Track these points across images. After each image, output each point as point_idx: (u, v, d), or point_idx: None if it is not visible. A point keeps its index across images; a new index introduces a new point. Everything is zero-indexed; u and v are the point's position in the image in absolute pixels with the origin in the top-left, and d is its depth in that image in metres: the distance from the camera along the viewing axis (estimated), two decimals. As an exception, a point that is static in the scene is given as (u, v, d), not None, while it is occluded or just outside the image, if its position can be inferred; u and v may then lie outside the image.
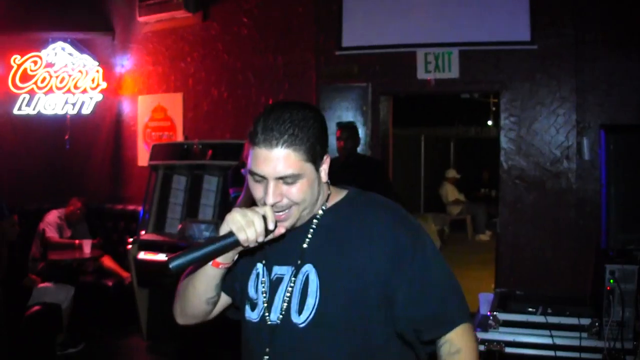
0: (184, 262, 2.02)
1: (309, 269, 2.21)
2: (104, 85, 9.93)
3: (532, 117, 7.45)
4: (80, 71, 9.79)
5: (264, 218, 2.07)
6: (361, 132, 7.80)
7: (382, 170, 7.22)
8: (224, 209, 7.62)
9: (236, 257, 2.22)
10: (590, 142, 7.17)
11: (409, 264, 2.15)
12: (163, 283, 7.66)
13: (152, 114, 9.76)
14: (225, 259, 2.19)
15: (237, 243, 2.07)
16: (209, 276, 2.26)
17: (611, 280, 5.03)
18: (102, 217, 9.59)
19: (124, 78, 10.11)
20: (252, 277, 2.35)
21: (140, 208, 8.70)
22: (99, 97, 9.92)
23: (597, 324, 5.03)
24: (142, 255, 7.90)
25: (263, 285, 2.30)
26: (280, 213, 2.14)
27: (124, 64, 10.08)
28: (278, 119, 2.08)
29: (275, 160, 2.07)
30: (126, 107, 10.13)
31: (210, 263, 2.20)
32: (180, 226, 8.01)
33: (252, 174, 2.14)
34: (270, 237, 2.13)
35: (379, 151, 8.24)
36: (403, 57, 7.87)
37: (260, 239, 2.08)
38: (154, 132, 9.76)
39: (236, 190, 6.77)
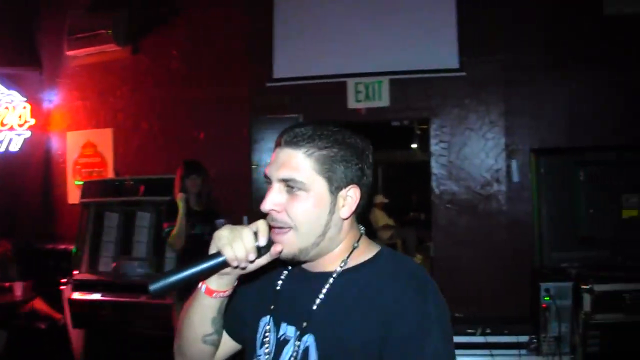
0: (165, 285, 1.88)
1: (310, 341, 1.97)
2: (32, 121, 9.71)
3: (462, 142, 7.58)
4: (7, 107, 9.58)
5: (255, 234, 1.91)
6: None
7: None
8: (158, 244, 7.62)
9: (234, 284, 2.05)
10: (519, 165, 7.29)
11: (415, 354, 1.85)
12: (99, 323, 7.73)
13: (81, 150, 9.59)
14: (219, 286, 2.02)
15: (224, 263, 1.89)
16: (204, 306, 2.07)
17: (546, 298, 5.28)
18: (32, 257, 9.28)
19: (52, 114, 9.96)
20: (260, 329, 2.13)
21: (71, 247, 8.56)
22: (27, 133, 9.69)
23: (535, 340, 5.30)
24: (76, 295, 7.82)
25: (267, 345, 2.08)
26: (278, 226, 1.95)
27: (52, 99, 9.93)
28: (306, 124, 1.99)
29: (282, 159, 1.95)
30: (55, 144, 9.95)
31: (203, 291, 2.04)
32: (114, 264, 8.00)
33: (265, 177, 2.01)
34: (265, 259, 1.95)
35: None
36: (334, 87, 7.93)
37: (252, 257, 1.89)
38: (84, 168, 9.58)
39: (169, 224, 6.71)
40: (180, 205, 6.60)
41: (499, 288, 7.17)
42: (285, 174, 1.91)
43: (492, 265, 7.34)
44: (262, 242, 1.89)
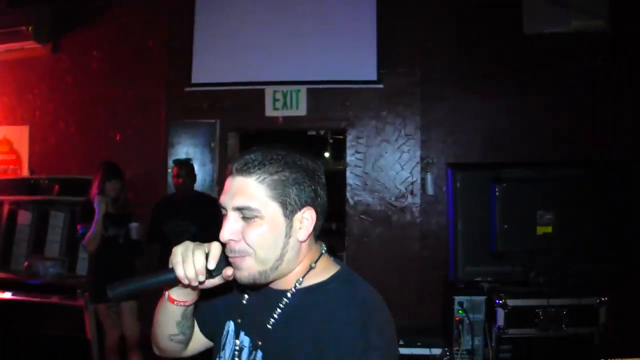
0: (122, 291, 1.91)
1: (259, 357, 1.95)
2: None
3: (378, 153, 7.35)
4: None
5: (207, 255, 1.87)
6: (209, 168, 7.68)
7: (213, 206, 6.85)
8: (71, 245, 7.38)
9: (196, 296, 2.06)
10: (433, 178, 7.15)
11: None
12: (10, 323, 7.40)
13: (-4, 146, 9.12)
14: (179, 296, 2.04)
15: (175, 279, 1.89)
16: (168, 311, 2.10)
17: (460, 311, 5.19)
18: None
19: None
20: (224, 332, 2.13)
21: None
22: None
23: (448, 353, 5.19)
24: None
25: (225, 350, 2.10)
26: (236, 255, 1.88)
27: (-31, 94, 9.39)
28: (256, 151, 1.91)
29: (235, 187, 1.87)
30: None
31: (166, 299, 2.06)
32: (26, 263, 7.67)
33: (219, 205, 1.92)
34: (217, 279, 1.93)
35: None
36: (252, 94, 7.62)
37: (201, 278, 1.87)
38: (-1, 165, 9.12)
39: (84, 226, 6.45)
40: (100, 208, 6.35)
41: (411, 300, 6.94)
42: (239, 202, 1.85)
43: (405, 277, 7.12)
44: (212, 265, 1.86)
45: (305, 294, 1.94)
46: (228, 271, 1.89)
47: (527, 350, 5.13)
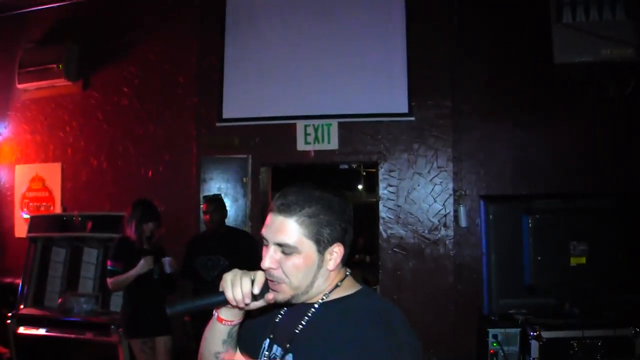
0: (178, 310, 2.23)
1: (289, 359, 2.18)
2: None
3: (410, 186, 7.40)
4: (-44, 139, 9.28)
5: (253, 281, 2.17)
6: (241, 203, 7.80)
7: (250, 242, 6.99)
8: (104, 281, 7.13)
9: (241, 316, 2.34)
10: (466, 210, 7.16)
11: None
12: (44, 358, 7.49)
13: (29, 183, 9.27)
14: (227, 316, 2.31)
15: (225, 301, 2.19)
16: (216, 330, 2.36)
17: (494, 344, 5.16)
18: (-21, 290, 8.97)
19: (1, 146, 9.61)
20: (261, 349, 2.36)
21: (18, 281, 8.30)
22: None
23: None
24: (22, 329, 7.60)
25: None
26: (273, 281, 2.17)
27: (2, 132, 9.60)
28: (295, 192, 2.17)
29: (276, 225, 2.14)
30: (3, 177, 9.60)
31: (215, 318, 2.34)
32: (60, 300, 7.74)
33: (261, 237, 2.21)
34: (260, 302, 2.21)
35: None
36: (283, 128, 7.75)
37: (247, 301, 2.17)
38: (31, 202, 9.26)
39: (114, 264, 6.51)
40: (142, 269, 6.41)
41: (445, 333, 6.97)
42: (280, 239, 2.13)
43: (439, 309, 7.14)
44: (256, 290, 2.16)
45: (332, 304, 2.20)
46: (270, 296, 2.18)
47: (562, 383, 5.05)
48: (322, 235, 2.13)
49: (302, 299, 2.20)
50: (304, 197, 2.15)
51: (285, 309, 2.36)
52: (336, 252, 2.17)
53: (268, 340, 2.33)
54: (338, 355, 2.04)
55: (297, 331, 2.19)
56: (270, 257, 2.15)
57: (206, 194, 7.62)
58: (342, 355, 2.03)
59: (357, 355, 2.01)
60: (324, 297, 2.21)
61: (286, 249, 2.12)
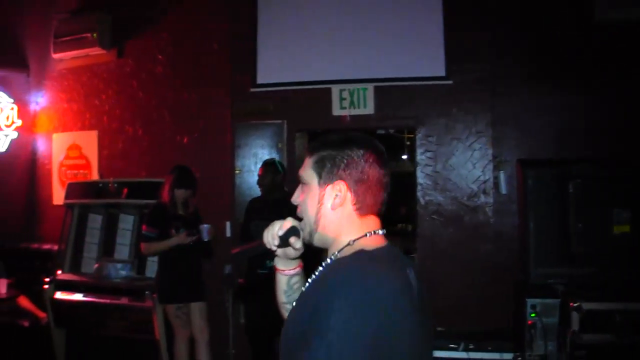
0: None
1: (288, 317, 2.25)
2: (18, 122, 9.53)
3: (449, 152, 7.26)
4: (-5, 108, 9.38)
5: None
6: None
7: None
8: (139, 247, 7.26)
9: (295, 265, 2.44)
10: (506, 176, 6.99)
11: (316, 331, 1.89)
12: (80, 324, 7.63)
13: (67, 152, 9.35)
14: (281, 265, 2.45)
15: (264, 246, 2.32)
16: (278, 281, 2.50)
17: (532, 314, 5.03)
18: (17, 256, 9.01)
19: (39, 115, 9.73)
20: None
21: (55, 247, 8.45)
22: (14, 134, 9.51)
23: (519, 358, 5.07)
24: (59, 295, 7.76)
25: None
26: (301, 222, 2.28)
27: (39, 101, 9.70)
28: (327, 135, 2.28)
29: (303, 164, 2.28)
30: (41, 145, 9.73)
31: (275, 269, 2.48)
32: (96, 265, 7.83)
33: None
34: (291, 248, 2.29)
35: (295, 187, 7.86)
36: (318, 93, 7.64)
37: (275, 242, 2.25)
38: (69, 170, 9.34)
39: (150, 230, 6.64)
40: (179, 239, 6.57)
41: (482, 302, 6.83)
42: (300, 172, 2.26)
43: (476, 278, 7.00)
44: (280, 232, 2.25)
45: (330, 264, 2.17)
46: (292, 239, 2.24)
47: (603, 357, 4.93)
48: (323, 169, 2.17)
49: (315, 241, 2.24)
50: (327, 138, 2.24)
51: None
52: (338, 190, 2.14)
53: None
54: (295, 318, 2.08)
55: (303, 289, 2.28)
56: (296, 192, 2.29)
57: (241, 160, 7.67)
58: (295, 321, 2.06)
59: (304, 322, 1.95)
60: (332, 257, 2.18)
61: (301, 180, 2.24)
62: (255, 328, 6.93)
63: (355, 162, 2.13)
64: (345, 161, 2.13)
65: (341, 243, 2.16)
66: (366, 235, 2.15)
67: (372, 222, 2.18)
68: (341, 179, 2.13)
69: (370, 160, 2.14)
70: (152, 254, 6.76)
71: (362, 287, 1.91)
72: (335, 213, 2.16)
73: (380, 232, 2.19)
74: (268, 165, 6.98)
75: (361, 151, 2.14)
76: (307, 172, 2.20)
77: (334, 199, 2.14)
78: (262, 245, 2.32)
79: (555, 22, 6.99)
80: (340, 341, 1.81)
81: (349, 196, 2.14)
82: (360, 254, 2.09)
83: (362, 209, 2.14)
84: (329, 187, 2.15)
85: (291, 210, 2.68)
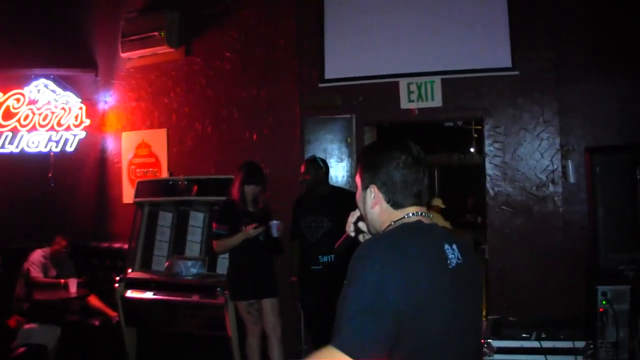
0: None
1: None
2: (87, 122, 9.75)
3: (516, 142, 7.30)
4: (63, 108, 9.60)
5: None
6: (346, 163, 7.85)
7: (347, 200, 7.00)
8: (210, 244, 7.36)
9: None
10: (575, 165, 7.00)
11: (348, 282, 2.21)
12: (151, 322, 7.73)
13: (136, 150, 9.54)
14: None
15: (349, 235, 2.73)
16: None
17: (604, 302, 4.98)
18: (87, 255, 9.32)
19: (107, 115, 9.94)
20: None
21: (126, 245, 8.63)
22: (83, 134, 9.74)
23: (592, 346, 4.98)
24: (130, 293, 7.82)
25: None
26: None
27: (107, 100, 9.91)
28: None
29: None
30: (110, 144, 9.93)
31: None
32: (167, 263, 7.93)
33: None
34: (361, 232, 2.70)
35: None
36: (386, 87, 7.72)
37: (351, 228, 2.70)
38: (138, 168, 9.54)
39: (220, 227, 6.71)
40: (249, 233, 6.56)
41: (553, 291, 6.88)
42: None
43: (547, 267, 7.04)
44: (353, 219, 2.69)
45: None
46: (360, 223, 2.66)
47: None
48: (361, 176, 2.55)
49: (372, 231, 2.59)
50: (367, 148, 2.82)
51: None
52: (371, 192, 2.49)
53: None
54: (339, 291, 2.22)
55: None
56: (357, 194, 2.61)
57: (311, 154, 7.61)
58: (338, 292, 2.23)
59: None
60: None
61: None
62: (313, 324, 6.99)
63: (381, 167, 2.46)
64: (374, 168, 2.49)
65: (380, 225, 2.51)
66: (404, 217, 2.45)
67: (412, 211, 2.46)
68: (372, 182, 2.48)
69: (394, 164, 2.45)
70: (224, 250, 6.80)
71: (389, 243, 2.27)
72: (375, 210, 2.50)
73: (420, 214, 2.46)
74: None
75: (388, 157, 2.47)
76: (356, 179, 2.58)
77: (371, 199, 2.49)
78: (349, 235, 2.71)
79: (619, 7, 6.96)
80: (367, 286, 2.10)
81: (381, 195, 2.47)
82: (392, 229, 2.43)
83: (396, 204, 2.45)
84: (368, 191, 2.50)
85: (345, 205, 3.05)
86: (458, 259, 2.32)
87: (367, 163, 2.53)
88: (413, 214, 2.44)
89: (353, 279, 2.14)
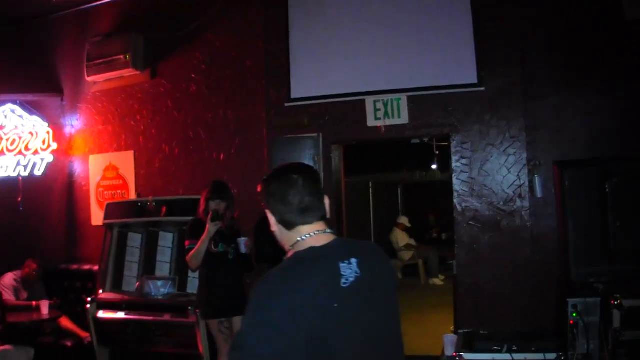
0: None
1: None
2: (54, 146, 9.74)
3: (483, 158, 7.38)
4: (30, 132, 9.63)
5: None
6: None
7: None
8: (180, 264, 7.56)
9: None
10: (542, 180, 7.07)
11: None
12: (124, 342, 7.78)
13: (104, 173, 9.57)
14: None
15: None
16: None
17: (574, 314, 4.99)
18: (58, 277, 9.30)
19: (74, 138, 9.95)
20: None
21: (96, 267, 8.69)
22: (50, 158, 9.72)
23: (563, 358, 5.01)
24: (101, 314, 7.91)
25: None
26: None
27: (74, 124, 9.93)
28: None
29: None
30: (78, 167, 9.93)
31: None
32: (137, 284, 7.99)
33: None
34: None
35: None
36: (352, 105, 7.80)
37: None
38: (106, 191, 9.57)
39: (192, 242, 6.63)
40: (211, 230, 6.50)
41: (524, 304, 6.97)
42: None
43: (517, 282, 7.13)
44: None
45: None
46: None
47: (645, 354, 4.94)
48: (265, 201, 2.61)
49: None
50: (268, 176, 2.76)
51: None
52: (269, 216, 2.62)
53: None
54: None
55: None
56: None
57: None
58: None
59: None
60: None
61: None
62: None
63: (269, 195, 2.58)
64: (265, 193, 2.60)
65: (288, 250, 2.60)
66: (297, 241, 2.56)
67: (305, 232, 2.55)
68: (267, 208, 2.61)
69: (277, 192, 2.56)
70: (197, 261, 6.61)
71: (279, 279, 2.38)
72: (277, 232, 2.64)
73: (313, 234, 2.54)
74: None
75: (273, 181, 2.60)
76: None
77: (272, 222, 2.61)
78: None
79: (584, 23, 7.07)
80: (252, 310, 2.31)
81: (273, 218, 2.60)
82: (284, 262, 2.50)
83: (287, 224, 2.56)
84: (269, 215, 2.61)
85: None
86: (356, 273, 2.39)
87: (262, 190, 2.67)
88: (306, 236, 2.54)
89: (250, 311, 2.30)
